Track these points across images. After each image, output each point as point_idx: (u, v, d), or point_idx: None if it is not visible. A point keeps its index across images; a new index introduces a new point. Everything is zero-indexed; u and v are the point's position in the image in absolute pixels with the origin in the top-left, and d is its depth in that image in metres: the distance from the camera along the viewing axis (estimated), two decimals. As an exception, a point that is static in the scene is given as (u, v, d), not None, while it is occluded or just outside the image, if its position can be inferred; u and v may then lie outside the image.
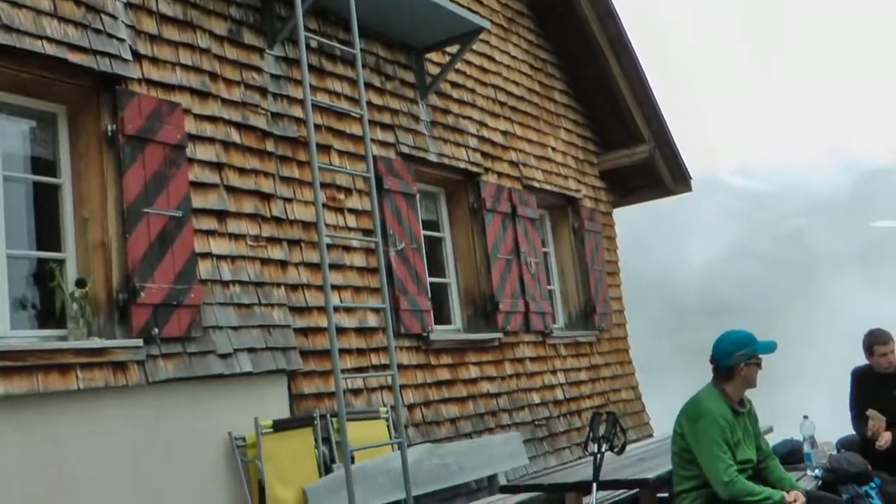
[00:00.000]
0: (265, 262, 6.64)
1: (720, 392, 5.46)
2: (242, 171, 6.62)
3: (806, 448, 6.88)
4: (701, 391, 5.54)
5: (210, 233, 6.26)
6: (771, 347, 5.49)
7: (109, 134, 5.71)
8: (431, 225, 9.09)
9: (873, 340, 7.36)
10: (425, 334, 8.01)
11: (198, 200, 6.19)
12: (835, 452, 7.17)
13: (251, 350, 6.29)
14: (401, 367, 7.53)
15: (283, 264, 6.80)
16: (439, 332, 8.42)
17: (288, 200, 6.96)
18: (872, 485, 6.68)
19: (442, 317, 8.90)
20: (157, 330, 5.62)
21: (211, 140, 6.42)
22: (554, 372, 9.98)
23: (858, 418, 7.39)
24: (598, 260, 11.28)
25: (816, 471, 6.68)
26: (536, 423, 9.38)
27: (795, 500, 5.21)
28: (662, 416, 8.68)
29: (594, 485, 5.28)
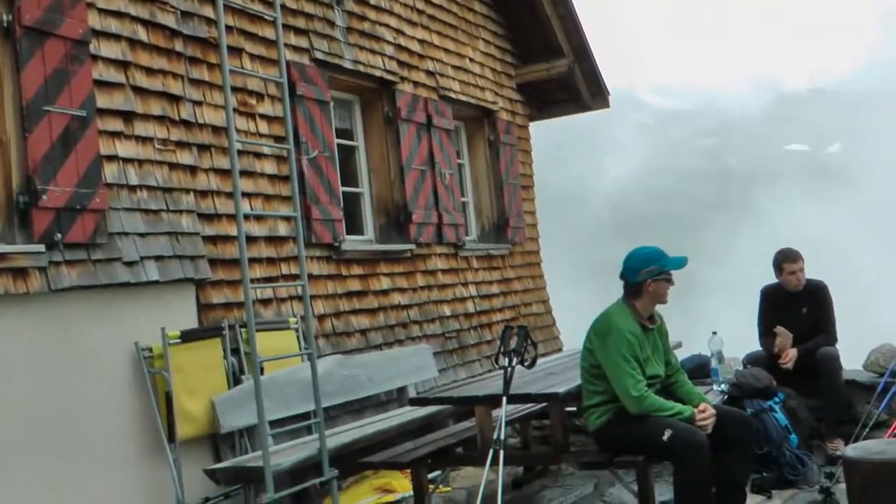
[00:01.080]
0: (174, 166, 6.41)
1: (629, 308, 5.46)
2: (150, 72, 6.34)
3: (713, 363, 6.99)
4: (611, 307, 5.54)
5: (116, 134, 6.00)
6: (680, 263, 5.49)
7: (5, 24, 5.37)
8: (345, 133, 8.90)
9: (783, 259, 7.49)
10: (337, 244, 7.90)
11: (102, 100, 5.91)
12: (741, 368, 7.31)
13: (158, 258, 6.10)
14: (311, 277, 7.42)
15: (193, 169, 6.58)
16: (351, 243, 8.31)
17: (197, 104, 6.71)
18: (776, 400, 6.84)
19: (354, 227, 8.78)
20: (59, 235, 5.39)
21: (116, 37, 6.11)
22: (465, 284, 9.98)
23: (766, 335, 7.55)
24: (512, 173, 11.24)
25: (722, 386, 6.81)
26: (447, 335, 9.40)
27: (704, 411, 5.29)
28: (573, 331, 8.75)
29: (504, 398, 5.28)
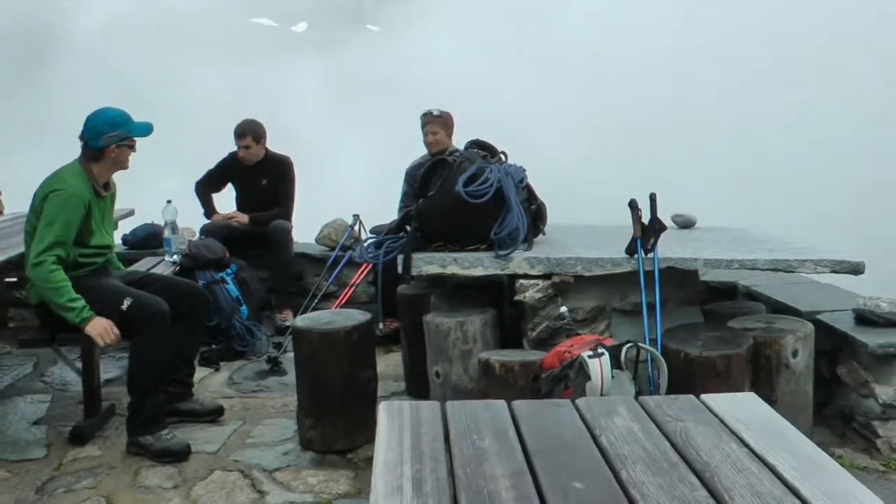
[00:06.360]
0: None
1: (85, 172, 5.02)
2: None
3: (166, 233, 6.79)
4: (64, 167, 5.05)
5: None
6: (147, 130, 5.16)
7: None
8: None
9: (237, 131, 7.48)
10: None
11: None
12: (197, 238, 7.21)
13: None
14: None
15: None
16: None
17: None
18: (229, 271, 6.87)
19: None
20: None
21: None
22: None
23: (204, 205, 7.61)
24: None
25: (175, 256, 6.64)
26: None
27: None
28: (18, 194, 7.97)
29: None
